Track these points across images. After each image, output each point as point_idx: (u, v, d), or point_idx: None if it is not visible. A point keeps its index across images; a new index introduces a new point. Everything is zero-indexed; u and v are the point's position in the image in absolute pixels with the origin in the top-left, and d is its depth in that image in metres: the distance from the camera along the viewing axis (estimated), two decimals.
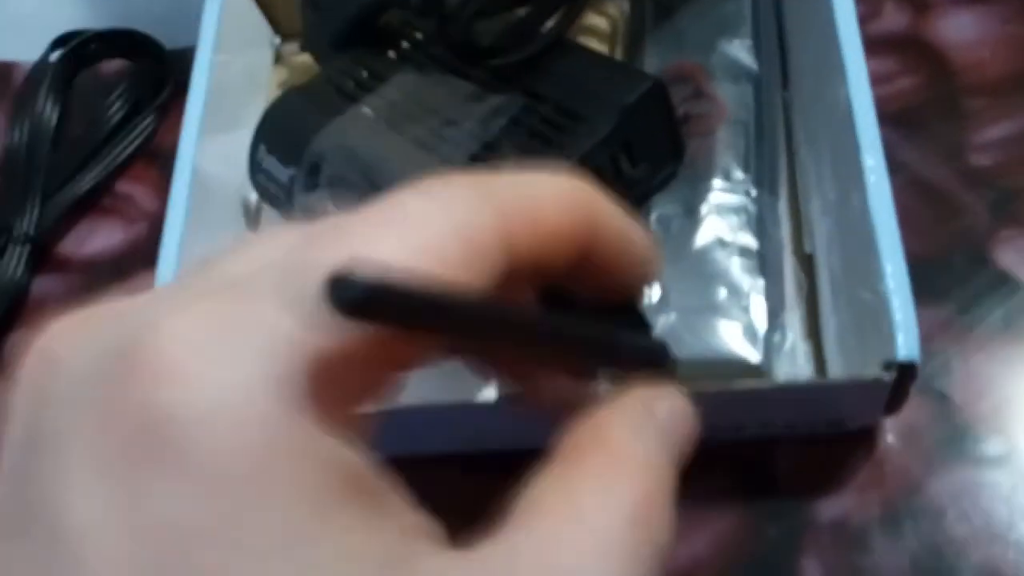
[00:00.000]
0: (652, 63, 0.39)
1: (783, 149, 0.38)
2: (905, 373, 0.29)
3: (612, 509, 0.18)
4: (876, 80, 0.39)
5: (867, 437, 0.34)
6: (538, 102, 0.34)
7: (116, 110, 0.44)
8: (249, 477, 0.16)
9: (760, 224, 0.35)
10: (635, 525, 0.18)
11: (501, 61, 0.35)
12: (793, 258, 0.37)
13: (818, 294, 0.35)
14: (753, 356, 0.33)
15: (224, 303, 0.17)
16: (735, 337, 0.33)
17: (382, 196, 0.18)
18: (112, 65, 0.45)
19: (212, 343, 0.16)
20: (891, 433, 0.34)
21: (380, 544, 0.17)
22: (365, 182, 0.33)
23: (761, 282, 0.34)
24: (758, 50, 0.39)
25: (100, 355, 0.17)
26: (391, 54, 0.37)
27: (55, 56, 0.45)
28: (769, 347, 0.34)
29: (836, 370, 0.34)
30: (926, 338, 0.35)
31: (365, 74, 0.37)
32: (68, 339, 0.18)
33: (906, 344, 0.29)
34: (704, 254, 0.35)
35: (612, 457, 0.19)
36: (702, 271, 0.35)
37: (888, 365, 0.29)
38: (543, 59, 0.34)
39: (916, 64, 0.40)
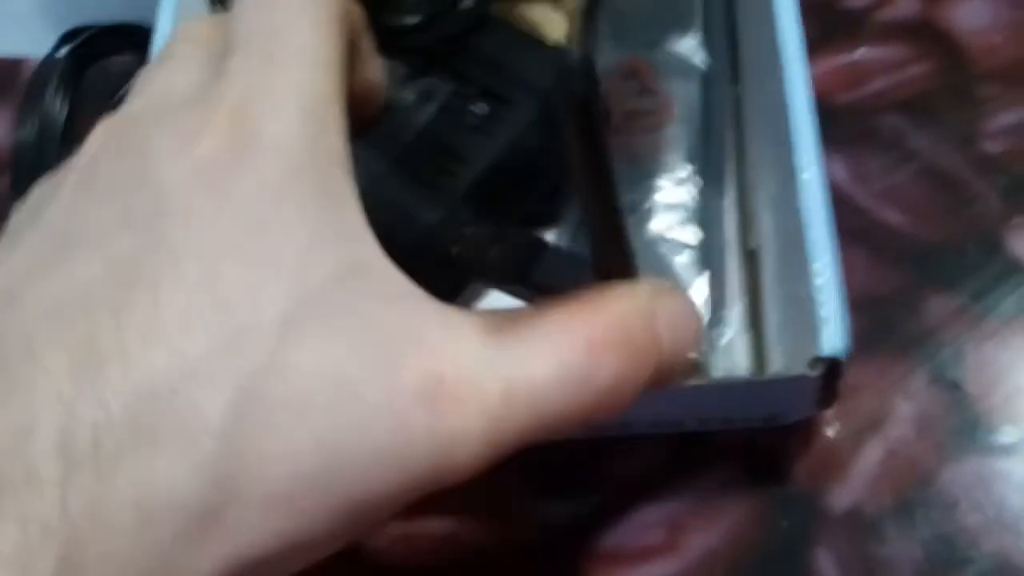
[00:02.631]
0: (602, 58, 0.39)
1: (731, 145, 0.39)
2: (833, 368, 0.29)
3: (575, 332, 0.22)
4: (888, 67, 0.40)
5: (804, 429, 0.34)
6: (466, 85, 0.33)
7: None
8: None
9: (704, 220, 0.36)
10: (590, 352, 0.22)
11: (423, 40, 0.34)
12: (738, 253, 0.37)
13: (761, 289, 0.36)
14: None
15: None
16: None
17: None
18: (121, 60, 0.45)
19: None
20: (905, 422, 0.34)
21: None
22: None
23: (704, 277, 0.35)
24: (708, 45, 0.39)
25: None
26: None
27: (64, 52, 0.45)
28: (708, 342, 0.34)
29: (776, 365, 0.34)
30: (937, 327, 0.35)
31: None
32: None
33: (830, 340, 0.29)
34: (648, 249, 0.35)
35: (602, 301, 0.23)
36: (645, 266, 0.35)
37: (814, 362, 0.29)
38: (469, 39, 0.34)
39: (928, 51, 0.40)
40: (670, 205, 0.36)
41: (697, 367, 0.33)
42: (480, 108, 0.33)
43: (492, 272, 0.31)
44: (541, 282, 0.30)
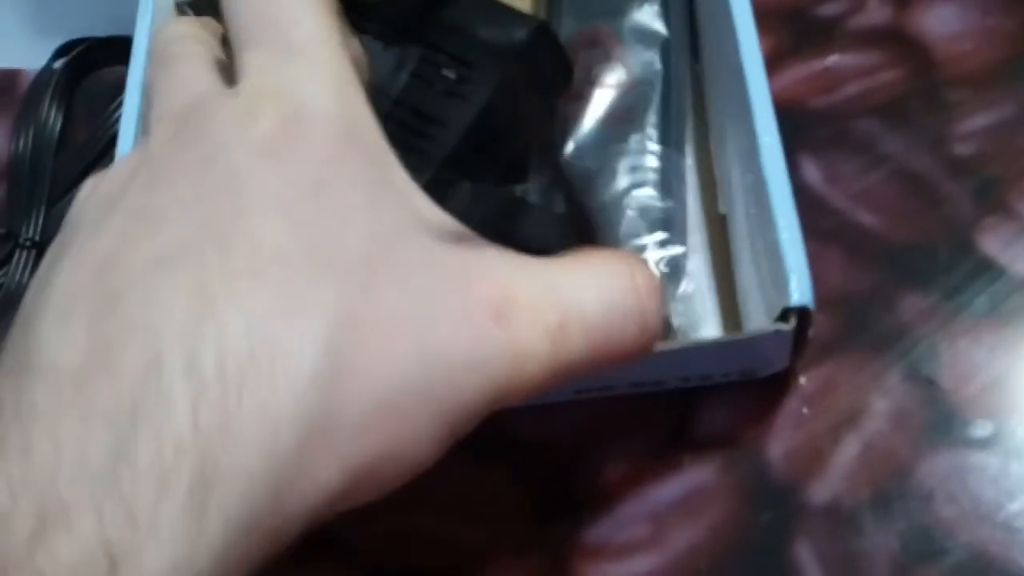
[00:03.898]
0: (568, 26, 0.41)
1: (689, 109, 0.40)
2: (803, 319, 0.31)
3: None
4: (860, 74, 0.41)
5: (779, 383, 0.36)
6: (433, 53, 0.34)
7: (119, 116, 0.44)
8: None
9: (665, 181, 0.37)
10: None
11: (389, 14, 0.35)
12: (703, 215, 0.39)
13: (730, 250, 0.37)
14: None
15: None
16: None
17: None
18: (115, 72, 0.46)
19: None
20: (881, 418, 0.35)
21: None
22: None
23: (666, 237, 0.36)
24: (666, 16, 0.40)
25: None
26: None
27: (59, 64, 0.45)
28: (675, 301, 0.36)
29: (745, 322, 0.35)
30: (912, 324, 0.36)
31: None
32: None
33: (797, 291, 0.31)
34: (610, 212, 0.37)
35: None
36: (611, 227, 0.37)
37: (784, 313, 0.31)
38: (435, 8, 0.35)
39: (899, 57, 0.41)
40: (631, 168, 0.37)
41: (665, 326, 0.34)
42: (449, 73, 0.34)
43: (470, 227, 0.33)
44: (523, 240, 0.31)
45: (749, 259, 0.36)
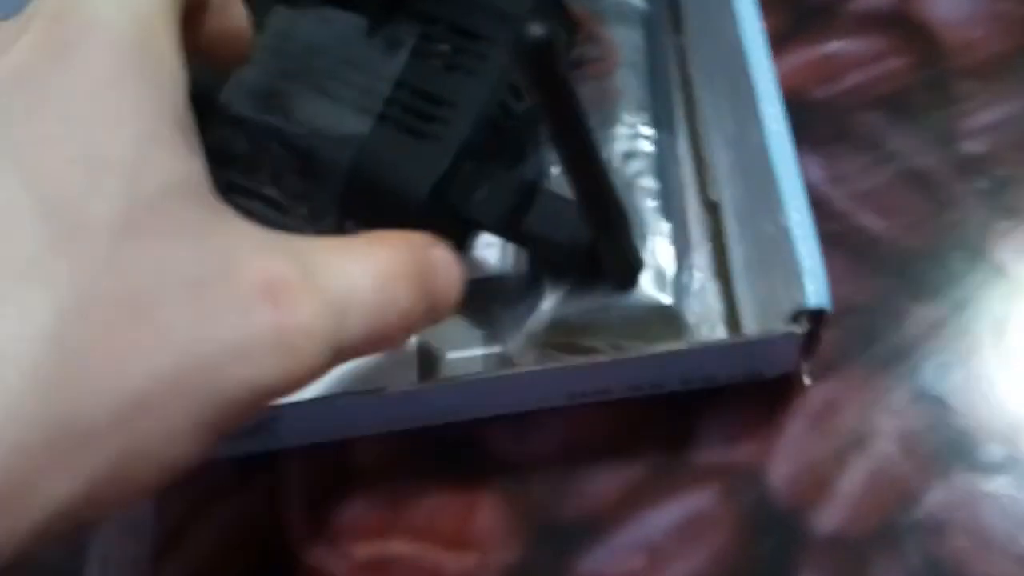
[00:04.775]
0: None
1: (678, 89, 0.38)
2: (817, 320, 0.30)
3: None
4: (863, 61, 0.38)
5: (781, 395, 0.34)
6: (432, 26, 0.32)
7: None
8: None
9: (661, 165, 0.35)
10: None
11: None
12: (698, 201, 0.36)
13: (724, 234, 0.35)
14: (665, 298, 0.33)
15: None
16: (645, 281, 0.33)
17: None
18: None
19: None
20: (889, 440, 0.33)
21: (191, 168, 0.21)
22: (283, 149, 0.32)
23: (666, 225, 0.34)
24: None
25: None
26: None
27: None
28: (679, 289, 0.34)
29: (747, 310, 0.34)
30: (920, 338, 0.34)
31: None
32: None
33: (814, 292, 0.29)
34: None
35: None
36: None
37: (797, 315, 0.29)
38: None
39: (904, 44, 0.39)
40: (626, 153, 0.35)
41: (672, 314, 0.33)
42: (447, 47, 0.31)
43: (486, 218, 0.31)
44: (533, 227, 0.31)
45: (742, 251, 0.34)
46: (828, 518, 0.32)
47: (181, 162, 0.21)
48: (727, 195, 0.36)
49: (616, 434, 0.34)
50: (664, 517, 0.33)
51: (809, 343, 0.31)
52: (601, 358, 0.32)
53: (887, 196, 0.36)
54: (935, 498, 0.32)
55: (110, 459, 0.19)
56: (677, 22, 0.39)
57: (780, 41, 0.39)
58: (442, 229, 0.27)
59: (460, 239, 0.32)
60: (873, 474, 0.32)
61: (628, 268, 0.32)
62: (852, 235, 0.36)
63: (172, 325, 0.19)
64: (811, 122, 0.37)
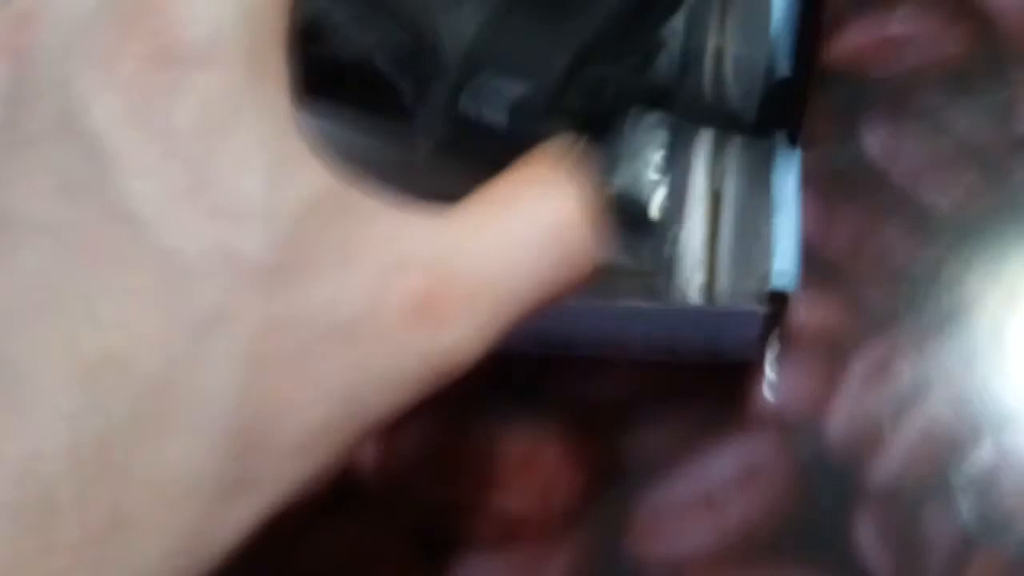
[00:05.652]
0: None
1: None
2: (779, 304, 0.29)
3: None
4: (922, 42, 0.39)
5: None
6: None
7: None
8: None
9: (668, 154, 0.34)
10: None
11: None
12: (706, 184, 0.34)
13: (720, 215, 0.34)
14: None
15: None
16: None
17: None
18: None
19: None
20: (941, 399, 0.34)
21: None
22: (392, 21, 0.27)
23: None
24: None
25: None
26: None
27: None
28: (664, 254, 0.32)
29: (723, 292, 0.32)
30: (972, 305, 0.36)
31: None
32: None
33: (781, 274, 0.29)
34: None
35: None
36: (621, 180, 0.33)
37: (760, 296, 0.29)
38: None
39: (963, 27, 0.40)
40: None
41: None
42: None
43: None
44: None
45: (735, 232, 0.32)
46: (882, 471, 0.33)
47: (312, 178, 0.19)
48: (727, 186, 0.34)
49: (679, 384, 0.35)
50: (723, 466, 0.34)
51: (771, 326, 0.31)
52: None
53: (943, 171, 0.37)
54: (986, 455, 0.33)
55: (276, 496, 0.19)
56: None
57: (839, 20, 0.40)
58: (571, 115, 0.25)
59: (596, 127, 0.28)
60: (926, 430, 0.34)
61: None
62: (908, 207, 0.37)
63: (329, 374, 0.19)
64: (869, 99, 0.39)
